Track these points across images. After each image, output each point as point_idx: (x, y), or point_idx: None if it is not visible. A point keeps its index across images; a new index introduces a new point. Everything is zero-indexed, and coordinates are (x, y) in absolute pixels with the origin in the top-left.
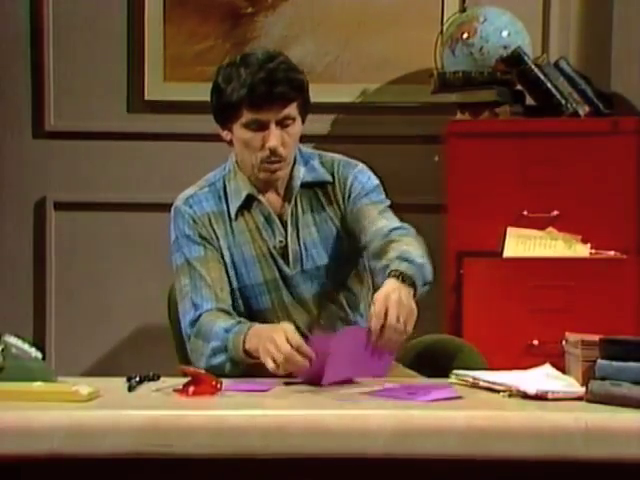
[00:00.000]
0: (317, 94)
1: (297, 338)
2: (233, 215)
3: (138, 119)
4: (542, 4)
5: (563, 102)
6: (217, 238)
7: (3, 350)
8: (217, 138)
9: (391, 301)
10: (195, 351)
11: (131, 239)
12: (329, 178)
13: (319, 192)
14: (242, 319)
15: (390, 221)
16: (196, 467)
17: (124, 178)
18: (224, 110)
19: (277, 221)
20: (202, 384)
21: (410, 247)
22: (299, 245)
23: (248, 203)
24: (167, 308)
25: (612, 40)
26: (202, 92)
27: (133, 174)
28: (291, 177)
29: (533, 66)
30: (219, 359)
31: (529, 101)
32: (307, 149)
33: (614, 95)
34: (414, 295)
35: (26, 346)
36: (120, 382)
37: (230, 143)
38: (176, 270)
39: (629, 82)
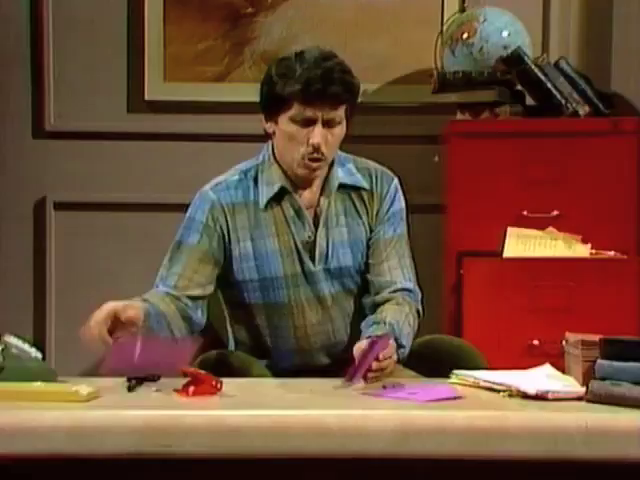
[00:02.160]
0: None
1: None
2: (262, 205)
3: (138, 119)
4: (542, 4)
5: (563, 102)
6: (236, 229)
7: (3, 350)
8: (217, 138)
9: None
10: None
11: (131, 239)
12: (367, 185)
13: (354, 196)
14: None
15: (405, 275)
16: (196, 467)
17: (124, 178)
18: (274, 101)
19: (308, 216)
20: (202, 384)
21: (405, 325)
22: (327, 242)
23: (280, 195)
24: None
25: (612, 40)
26: (202, 92)
27: (133, 174)
28: (329, 176)
29: (533, 66)
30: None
31: (529, 101)
32: (342, 152)
33: (614, 95)
34: None
35: (26, 346)
36: (120, 382)
37: (269, 136)
38: (172, 243)
39: (629, 82)
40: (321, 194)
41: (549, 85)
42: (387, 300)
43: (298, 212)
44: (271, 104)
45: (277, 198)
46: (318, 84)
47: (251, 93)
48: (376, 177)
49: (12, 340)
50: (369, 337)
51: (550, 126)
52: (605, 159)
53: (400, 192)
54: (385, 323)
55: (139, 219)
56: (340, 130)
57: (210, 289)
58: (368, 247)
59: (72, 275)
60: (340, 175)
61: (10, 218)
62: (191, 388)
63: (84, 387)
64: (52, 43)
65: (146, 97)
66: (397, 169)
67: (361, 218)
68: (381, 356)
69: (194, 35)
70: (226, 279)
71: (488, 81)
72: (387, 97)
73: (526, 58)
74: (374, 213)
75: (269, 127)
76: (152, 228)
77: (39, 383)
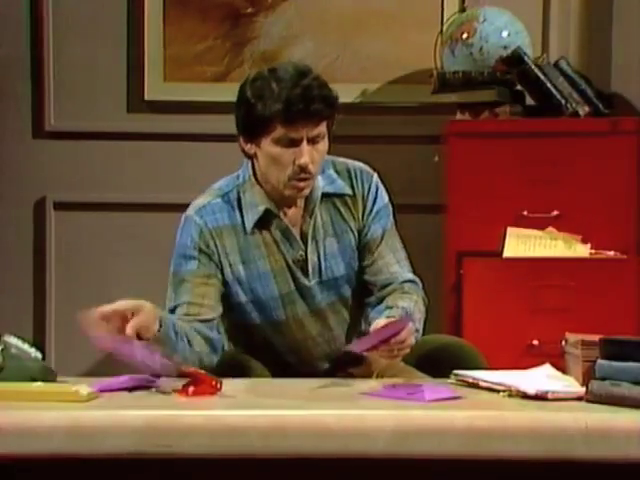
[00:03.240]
0: None
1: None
2: (249, 230)
3: (138, 119)
4: (542, 4)
5: (563, 102)
6: (226, 253)
7: (3, 350)
8: (217, 138)
9: (411, 339)
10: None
11: (131, 239)
12: (349, 191)
13: (338, 202)
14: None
15: (403, 268)
16: (196, 467)
17: (124, 178)
18: (254, 124)
19: (295, 235)
20: (202, 384)
21: (416, 310)
22: (318, 257)
23: (265, 218)
24: None
25: (612, 40)
26: (202, 92)
27: (133, 174)
28: (311, 188)
29: (533, 66)
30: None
31: (529, 101)
32: None
33: (614, 95)
34: None
35: (26, 346)
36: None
37: (250, 156)
38: (169, 275)
39: (629, 82)
40: (305, 209)
41: (549, 85)
42: (393, 291)
43: (285, 232)
44: (251, 126)
45: (262, 221)
46: (300, 104)
47: None
48: (356, 177)
49: (12, 340)
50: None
51: (550, 126)
52: (605, 159)
53: (381, 187)
54: (398, 307)
55: (139, 219)
56: (324, 145)
57: (220, 309)
58: (359, 251)
59: (72, 275)
60: (321, 185)
61: (10, 218)
62: (191, 388)
63: (84, 387)
64: (52, 43)
65: (146, 97)
66: (397, 169)
67: (348, 224)
68: (404, 333)
69: (194, 35)
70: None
71: (488, 81)
72: (387, 97)
73: (526, 58)
74: (360, 216)
75: (249, 149)
76: (152, 228)
77: (39, 383)
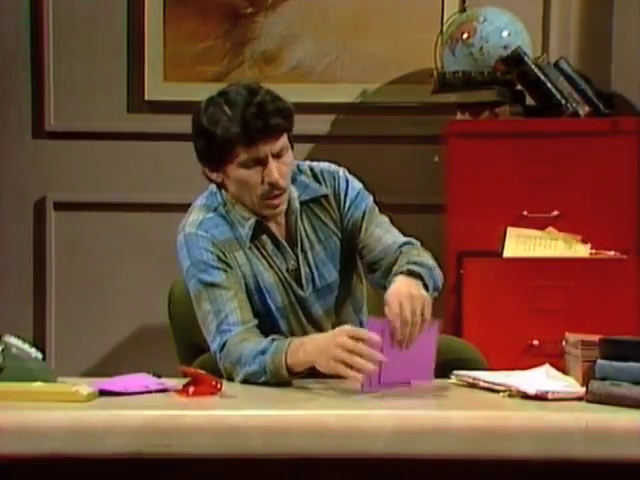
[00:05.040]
0: (317, 94)
1: (360, 331)
2: (247, 243)
3: (138, 119)
4: (542, 4)
5: (563, 102)
6: (238, 265)
7: (3, 350)
8: None
9: (402, 296)
10: (228, 373)
11: (131, 239)
12: (325, 191)
13: (316, 208)
14: (275, 336)
15: (396, 237)
16: (196, 467)
17: (124, 178)
18: (216, 152)
19: (286, 246)
20: (202, 384)
21: (421, 256)
22: (309, 267)
23: (257, 230)
24: (167, 308)
25: (612, 40)
26: (202, 92)
27: (133, 174)
28: (288, 200)
29: (533, 66)
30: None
31: (529, 101)
32: None
33: (614, 95)
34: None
35: (26, 346)
36: None
37: (218, 184)
38: (194, 297)
39: (629, 82)
40: (287, 222)
41: (549, 85)
42: (395, 258)
43: (277, 244)
44: (214, 155)
45: (255, 233)
46: (257, 121)
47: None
48: (323, 179)
49: (12, 340)
50: (399, 272)
51: (550, 126)
52: (605, 159)
53: (350, 177)
54: (412, 262)
55: (139, 219)
56: (289, 157)
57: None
58: (348, 240)
59: (72, 275)
60: (296, 194)
61: (10, 218)
62: (191, 388)
63: (84, 387)
64: (52, 43)
65: (146, 97)
66: (397, 169)
67: (330, 228)
68: (394, 325)
69: (194, 35)
70: None
71: (488, 81)
72: (387, 97)
73: (526, 58)
74: (338, 213)
75: (216, 177)
76: (152, 228)
77: (39, 383)
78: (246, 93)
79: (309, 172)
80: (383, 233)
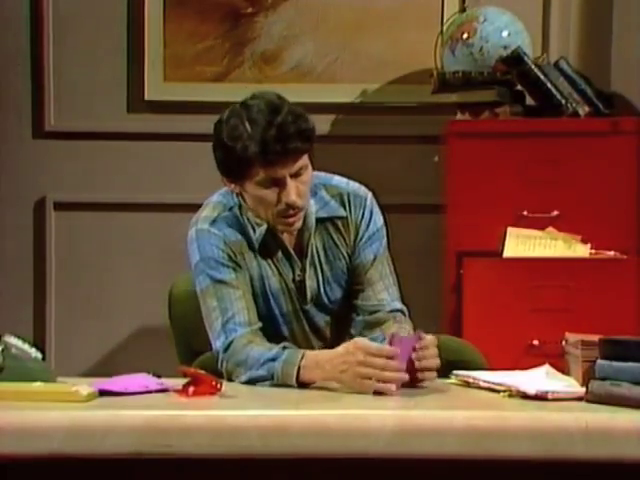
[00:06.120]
0: (317, 94)
1: (377, 346)
2: (257, 247)
3: (138, 119)
4: (542, 4)
5: (563, 102)
6: (247, 267)
7: (3, 350)
8: None
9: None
10: (230, 374)
11: (131, 239)
12: (342, 212)
13: (331, 229)
14: (286, 344)
15: (391, 297)
16: (196, 467)
17: (124, 178)
18: (235, 167)
19: (294, 257)
20: (202, 384)
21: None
22: (317, 283)
23: (268, 236)
24: (167, 308)
25: (612, 40)
26: (202, 92)
27: (133, 174)
28: (305, 214)
29: (533, 66)
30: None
31: (529, 101)
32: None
33: (614, 95)
34: None
35: (26, 346)
36: None
37: (237, 193)
38: (201, 293)
39: (629, 82)
40: (301, 236)
41: (549, 85)
42: (385, 321)
43: (285, 253)
44: (232, 169)
45: (266, 238)
46: (276, 145)
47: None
48: (349, 202)
49: (12, 340)
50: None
51: (550, 126)
52: (605, 159)
53: (376, 209)
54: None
55: (139, 219)
56: (307, 175)
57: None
58: (349, 273)
59: (72, 275)
60: (314, 209)
61: (10, 218)
62: (191, 388)
63: (84, 387)
64: (52, 43)
65: (146, 97)
66: (397, 169)
67: (340, 250)
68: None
69: (194, 35)
70: None
71: (488, 81)
72: (387, 97)
73: (526, 58)
74: (351, 241)
75: (234, 188)
76: (152, 228)
77: (39, 383)
78: (268, 111)
79: (335, 193)
80: (382, 289)
